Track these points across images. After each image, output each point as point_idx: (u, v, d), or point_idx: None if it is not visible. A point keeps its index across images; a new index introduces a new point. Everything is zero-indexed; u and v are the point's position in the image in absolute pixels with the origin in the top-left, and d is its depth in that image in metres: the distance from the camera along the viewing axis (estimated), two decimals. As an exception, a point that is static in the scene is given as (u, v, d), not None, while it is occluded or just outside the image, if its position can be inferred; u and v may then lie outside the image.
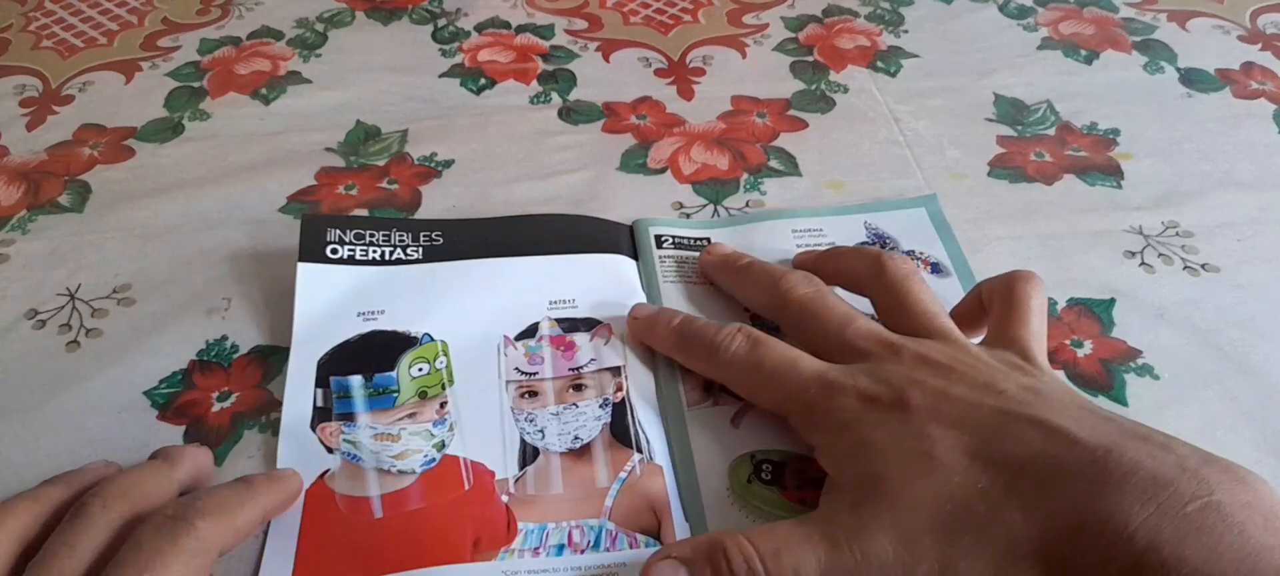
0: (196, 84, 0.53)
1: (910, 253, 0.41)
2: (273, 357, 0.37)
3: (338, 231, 0.40)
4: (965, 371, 0.29)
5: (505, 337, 0.37)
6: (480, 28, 0.60)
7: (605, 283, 0.40)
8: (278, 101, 0.52)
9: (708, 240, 0.42)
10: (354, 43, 0.58)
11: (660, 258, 0.41)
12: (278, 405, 0.35)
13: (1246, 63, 0.56)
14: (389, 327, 0.37)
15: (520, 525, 0.31)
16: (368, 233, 0.40)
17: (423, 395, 0.35)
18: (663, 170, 0.47)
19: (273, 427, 0.34)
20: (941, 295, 0.36)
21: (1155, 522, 0.23)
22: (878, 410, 0.29)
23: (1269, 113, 0.52)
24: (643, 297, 0.39)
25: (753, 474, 0.32)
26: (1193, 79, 0.55)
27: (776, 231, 0.43)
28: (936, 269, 0.41)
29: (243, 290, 0.40)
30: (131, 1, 0.62)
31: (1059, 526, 0.24)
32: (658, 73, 0.56)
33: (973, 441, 0.26)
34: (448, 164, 0.47)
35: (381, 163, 0.47)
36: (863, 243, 0.42)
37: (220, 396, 0.35)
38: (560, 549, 0.30)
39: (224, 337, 0.38)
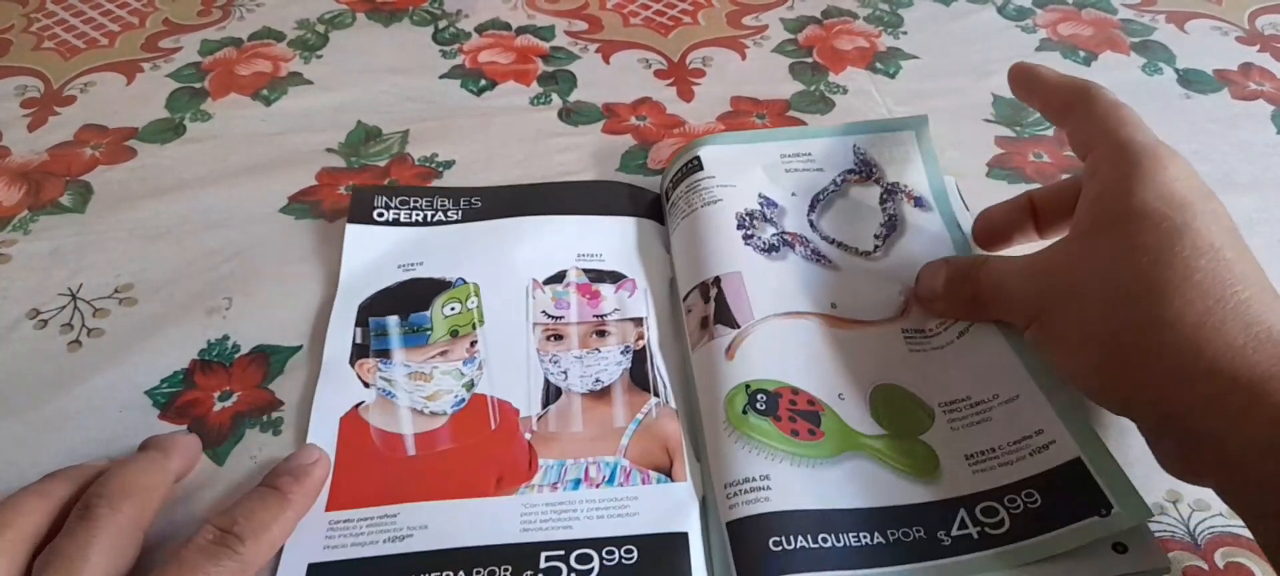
0: (198, 85, 0.54)
1: (895, 186, 0.42)
2: (274, 357, 0.37)
3: (384, 198, 0.43)
4: None
5: (534, 281, 0.39)
6: (481, 29, 0.60)
7: (631, 242, 0.42)
8: (279, 102, 0.52)
9: (697, 160, 0.43)
10: (355, 44, 0.58)
11: (669, 208, 0.43)
12: (279, 404, 0.35)
13: (1245, 64, 0.57)
14: (426, 276, 0.39)
15: (541, 461, 0.33)
16: (412, 199, 0.43)
17: (454, 334, 0.37)
18: (663, 171, 0.47)
19: (274, 427, 0.34)
20: (924, 229, 0.38)
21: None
22: None
23: (1267, 114, 0.52)
24: (665, 257, 0.41)
25: (748, 404, 0.33)
26: (1191, 80, 0.55)
27: (764, 152, 0.43)
28: (919, 203, 0.41)
29: (244, 290, 0.40)
30: (133, 3, 0.62)
31: None
32: (658, 74, 0.56)
33: None
34: (448, 165, 0.48)
35: (382, 163, 0.48)
36: (848, 170, 0.42)
37: (221, 396, 0.35)
38: (577, 483, 0.32)
39: (225, 337, 0.38)
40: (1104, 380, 0.30)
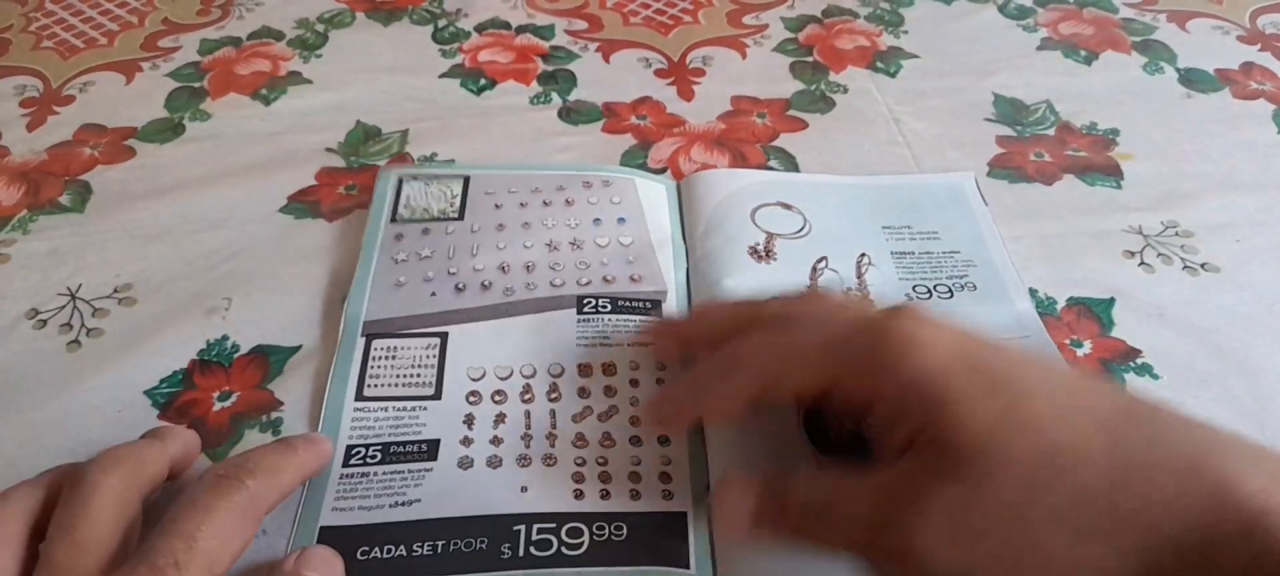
0: (197, 84, 0.54)
1: None
2: (273, 357, 0.37)
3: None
4: None
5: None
6: (480, 28, 0.60)
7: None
8: (278, 102, 0.52)
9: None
10: (354, 43, 0.58)
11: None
12: (278, 404, 0.35)
13: (1246, 63, 0.57)
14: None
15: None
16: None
17: None
18: (663, 170, 0.47)
19: (273, 427, 0.34)
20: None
21: None
22: None
23: (1268, 113, 0.52)
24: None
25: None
26: (1192, 79, 0.55)
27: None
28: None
29: (243, 290, 0.40)
30: (132, 2, 0.62)
31: None
32: (658, 73, 0.56)
33: None
34: (448, 164, 0.47)
35: (382, 163, 0.47)
36: None
37: (220, 396, 0.35)
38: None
39: (224, 337, 0.38)
40: None
